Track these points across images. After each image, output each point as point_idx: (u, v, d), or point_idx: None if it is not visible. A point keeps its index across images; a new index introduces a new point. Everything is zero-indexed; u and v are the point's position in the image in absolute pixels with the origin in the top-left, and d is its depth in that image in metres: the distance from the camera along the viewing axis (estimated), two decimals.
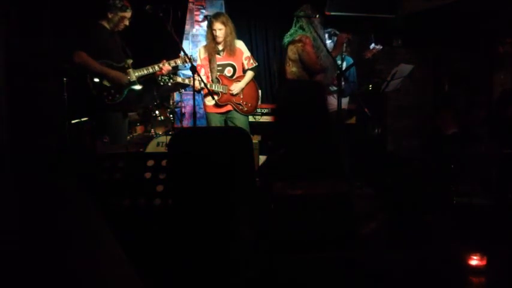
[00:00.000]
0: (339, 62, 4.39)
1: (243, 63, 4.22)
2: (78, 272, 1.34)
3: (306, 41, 4.01)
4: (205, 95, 4.19)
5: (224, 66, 4.15)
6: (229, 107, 4.17)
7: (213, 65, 4.11)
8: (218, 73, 4.13)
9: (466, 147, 4.66)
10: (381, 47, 4.25)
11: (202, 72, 4.13)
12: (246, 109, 4.21)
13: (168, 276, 2.20)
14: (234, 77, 4.19)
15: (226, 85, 4.13)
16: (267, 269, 2.36)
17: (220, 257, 2.36)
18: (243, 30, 5.44)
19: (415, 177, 4.01)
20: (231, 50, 4.12)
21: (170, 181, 2.47)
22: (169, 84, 4.00)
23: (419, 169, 4.36)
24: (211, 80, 4.11)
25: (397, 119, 5.81)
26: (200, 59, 4.19)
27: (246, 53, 4.24)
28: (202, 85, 3.86)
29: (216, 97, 4.07)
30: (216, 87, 4.08)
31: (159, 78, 3.96)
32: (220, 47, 4.12)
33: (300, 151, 3.86)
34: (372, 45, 4.27)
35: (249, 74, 4.23)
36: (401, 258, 2.52)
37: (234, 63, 4.18)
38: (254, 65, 4.25)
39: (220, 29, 4.02)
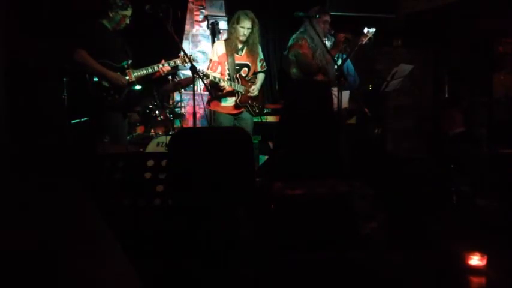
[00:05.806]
0: (339, 62, 4.37)
1: (256, 65, 4.10)
2: (78, 271, 1.34)
3: (302, 42, 4.01)
4: (223, 95, 3.97)
5: (241, 66, 4.00)
6: (243, 108, 4.04)
7: (233, 63, 3.94)
8: (236, 73, 3.98)
9: (469, 147, 4.66)
10: (374, 30, 4.17)
11: (218, 69, 3.96)
12: (257, 111, 4.12)
13: (168, 276, 2.20)
14: (248, 78, 4.05)
15: (244, 85, 3.99)
16: (267, 269, 2.36)
17: (220, 257, 2.36)
18: None
19: (415, 177, 4.01)
20: (253, 51, 3.99)
21: (170, 181, 2.47)
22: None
23: (419, 169, 4.36)
24: (231, 79, 3.93)
25: (397, 119, 5.80)
26: (218, 56, 3.98)
27: (261, 55, 4.14)
28: (226, 83, 3.76)
29: (234, 98, 3.96)
30: (236, 87, 3.94)
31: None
32: (240, 46, 3.98)
33: (304, 150, 3.86)
34: (365, 29, 4.22)
35: (262, 77, 4.14)
36: (401, 258, 2.52)
37: (250, 64, 4.04)
38: (265, 68, 4.19)
39: (249, 28, 3.85)
